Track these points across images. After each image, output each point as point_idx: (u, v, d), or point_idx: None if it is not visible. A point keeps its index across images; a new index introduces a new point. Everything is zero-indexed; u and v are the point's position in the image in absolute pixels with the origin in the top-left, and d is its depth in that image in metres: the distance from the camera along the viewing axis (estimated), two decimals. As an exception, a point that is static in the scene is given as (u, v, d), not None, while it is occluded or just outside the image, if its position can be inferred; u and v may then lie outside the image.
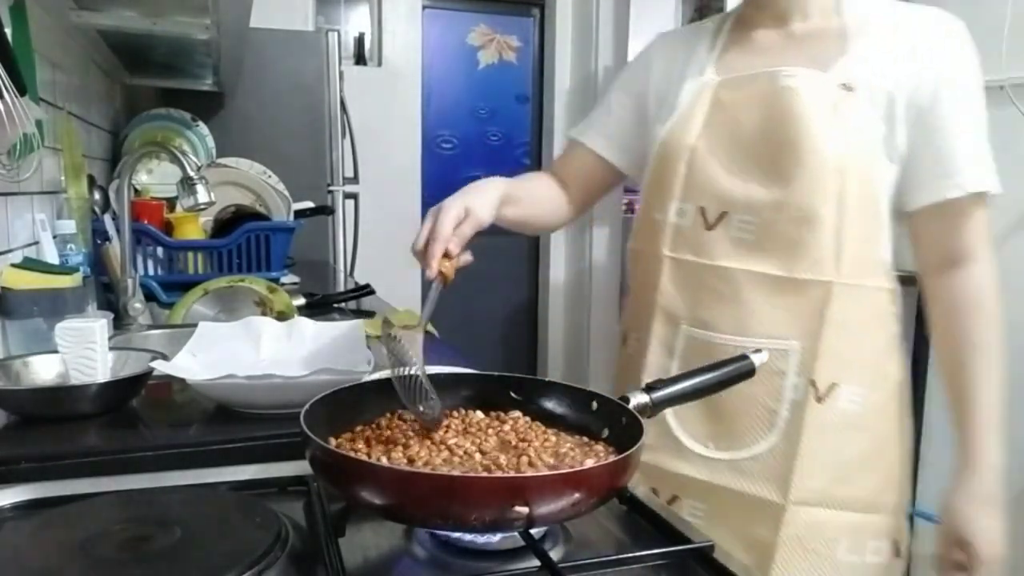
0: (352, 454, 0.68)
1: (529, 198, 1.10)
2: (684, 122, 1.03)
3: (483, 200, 0.92)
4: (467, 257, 0.89)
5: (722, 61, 1.05)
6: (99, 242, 1.71)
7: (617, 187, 1.19)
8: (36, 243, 1.42)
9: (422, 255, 0.88)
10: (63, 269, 1.31)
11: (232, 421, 0.95)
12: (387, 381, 0.85)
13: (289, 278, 2.13)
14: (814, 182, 0.94)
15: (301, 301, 1.69)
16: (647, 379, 1.00)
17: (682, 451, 1.01)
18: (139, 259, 1.83)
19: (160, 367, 0.98)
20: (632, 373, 1.08)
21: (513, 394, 0.83)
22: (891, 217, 1.00)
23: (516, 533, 0.66)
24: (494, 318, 4.07)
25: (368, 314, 1.73)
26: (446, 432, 0.74)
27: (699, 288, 1.01)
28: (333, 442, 0.71)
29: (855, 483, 0.99)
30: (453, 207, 0.88)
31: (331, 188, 2.86)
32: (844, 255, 0.96)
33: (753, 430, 0.98)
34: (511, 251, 4.03)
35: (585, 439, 0.76)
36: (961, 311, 0.98)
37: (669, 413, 1.02)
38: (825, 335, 0.96)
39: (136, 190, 2.21)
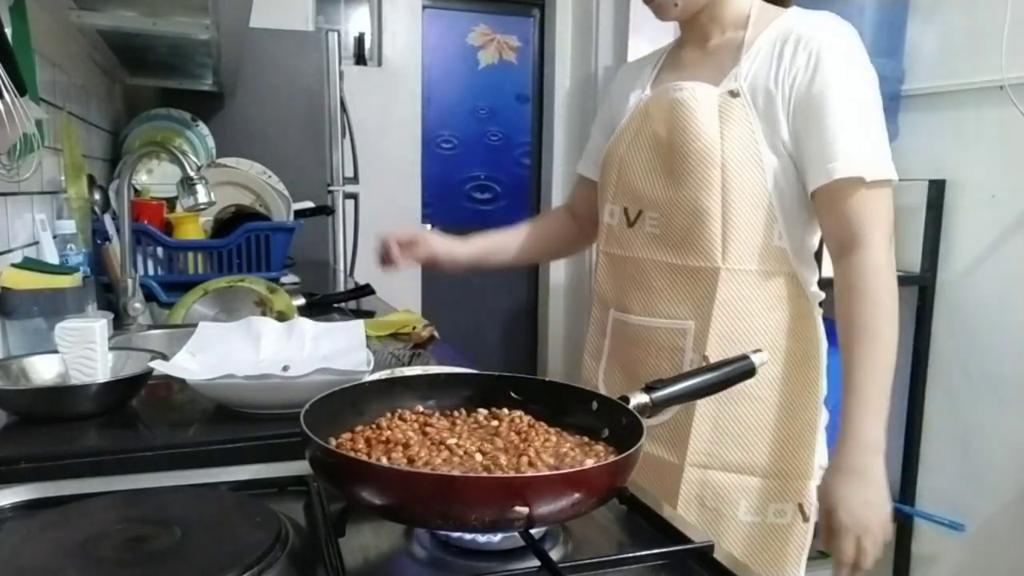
0: (352, 454, 0.68)
1: (505, 247, 1.34)
2: (620, 135, 1.18)
3: (439, 238, 1.21)
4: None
5: (657, 79, 1.19)
6: (99, 242, 1.71)
7: None
8: (36, 243, 1.42)
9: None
10: (63, 269, 1.32)
11: (232, 421, 0.95)
12: (387, 381, 0.85)
13: (289, 278, 2.13)
14: (700, 179, 1.06)
15: (301, 301, 1.69)
16: (587, 357, 1.25)
17: None
18: (139, 259, 1.83)
19: (159, 367, 0.98)
20: (583, 352, 1.27)
21: (513, 394, 0.83)
22: (788, 208, 1.07)
23: (516, 533, 0.66)
24: (494, 318, 4.07)
25: (368, 314, 1.73)
26: (446, 432, 0.74)
27: (621, 277, 1.17)
28: (333, 442, 0.71)
29: (750, 449, 1.08)
30: (415, 231, 1.17)
31: (331, 188, 2.86)
32: (730, 243, 1.06)
33: None
34: (511, 251, 4.02)
35: (585, 439, 0.76)
36: (848, 295, 1.02)
37: (599, 380, 1.20)
38: (715, 315, 1.07)
39: (136, 190, 2.21)
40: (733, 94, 1.06)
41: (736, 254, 1.06)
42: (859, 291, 1.02)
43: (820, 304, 1.13)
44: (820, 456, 1.11)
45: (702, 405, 1.07)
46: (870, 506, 0.97)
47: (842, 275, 1.04)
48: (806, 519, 1.09)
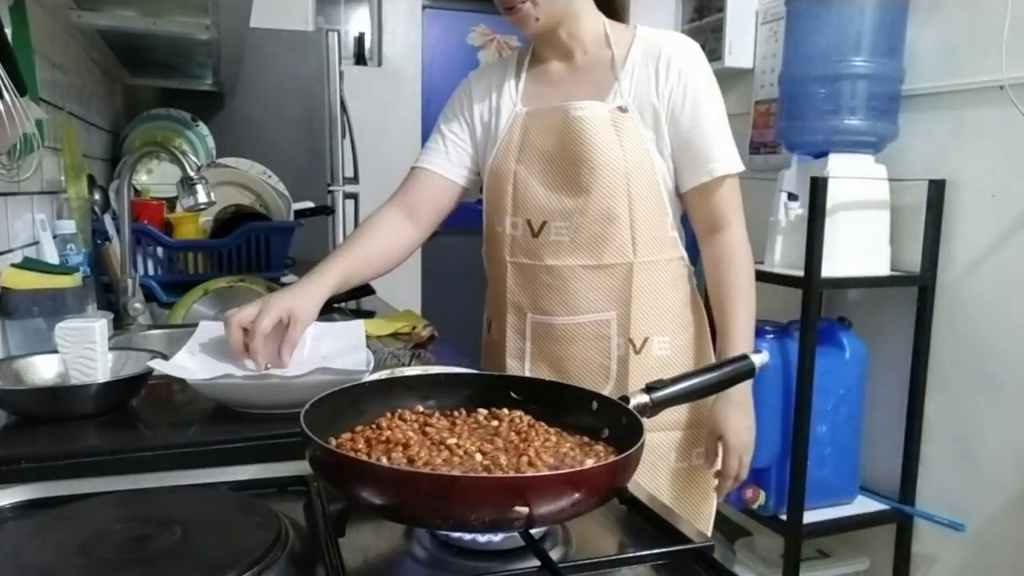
0: (352, 454, 0.68)
1: (369, 262, 1.30)
2: (504, 150, 1.27)
3: (305, 302, 1.09)
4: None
5: (526, 93, 1.29)
6: (99, 242, 1.71)
7: (459, 205, 1.39)
8: (36, 243, 1.42)
9: (243, 352, 1.01)
10: (63, 269, 1.32)
11: (232, 421, 0.95)
12: (387, 381, 0.85)
13: (289, 278, 2.13)
14: (608, 188, 1.19)
15: (301, 301, 1.69)
16: (509, 359, 1.31)
17: None
18: (139, 259, 1.83)
19: (158, 366, 0.98)
20: (497, 354, 1.34)
21: (513, 394, 0.83)
22: (672, 202, 1.25)
23: (516, 533, 0.66)
24: (494, 318, 4.07)
25: (368, 314, 1.73)
26: (446, 432, 0.74)
27: (535, 284, 1.26)
28: (333, 442, 0.71)
29: (676, 409, 1.19)
30: (273, 310, 1.03)
31: (331, 188, 2.86)
32: (638, 239, 1.22)
33: (593, 382, 1.24)
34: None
35: (585, 439, 0.76)
36: (720, 263, 1.25)
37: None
38: (633, 303, 1.23)
39: (136, 190, 2.21)
40: (623, 110, 1.20)
41: (644, 248, 1.22)
42: (731, 260, 1.24)
43: None
44: None
45: (632, 380, 1.22)
46: (750, 430, 1.24)
47: (713, 249, 1.25)
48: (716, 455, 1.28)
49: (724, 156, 1.20)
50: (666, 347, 1.25)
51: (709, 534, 1.19)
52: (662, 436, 1.25)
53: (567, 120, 1.20)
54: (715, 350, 1.28)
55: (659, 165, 1.21)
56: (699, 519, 1.31)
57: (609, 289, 1.23)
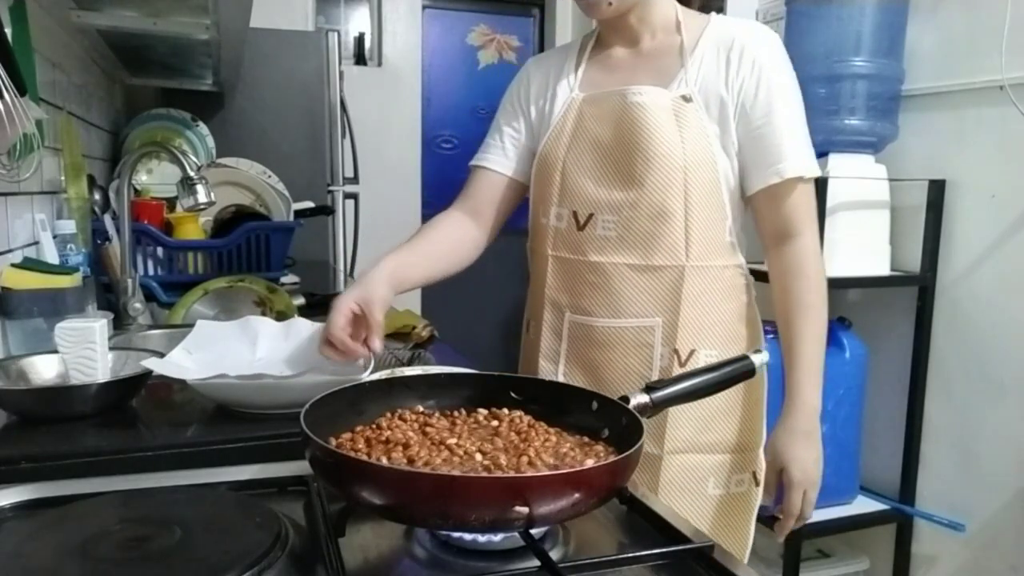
0: (352, 454, 0.68)
1: (428, 256, 1.20)
2: (556, 137, 1.18)
3: (369, 286, 1.03)
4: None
5: (585, 78, 1.20)
6: (99, 242, 1.71)
7: (523, 201, 1.31)
8: (36, 243, 1.42)
9: (340, 354, 0.99)
10: (63, 269, 1.31)
11: (232, 421, 0.95)
12: (387, 381, 0.85)
13: (289, 278, 2.13)
14: (663, 182, 1.10)
15: (301, 301, 1.69)
16: (543, 360, 1.24)
17: None
18: (139, 259, 1.83)
19: (152, 365, 0.98)
20: (532, 356, 1.26)
21: (513, 394, 0.83)
22: (734, 205, 1.15)
23: (516, 533, 0.66)
24: (494, 318, 4.07)
25: (368, 314, 1.73)
26: (446, 432, 0.74)
27: (576, 281, 1.17)
28: (333, 442, 0.71)
29: (717, 430, 1.15)
30: (341, 309, 0.99)
31: (331, 188, 2.86)
32: (692, 241, 1.12)
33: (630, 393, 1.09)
34: (511, 251, 4.02)
35: (585, 439, 0.76)
36: (788, 276, 1.13)
37: (558, 381, 1.19)
38: (682, 310, 1.13)
39: (136, 190, 2.21)
40: (686, 99, 1.11)
41: (698, 251, 1.12)
42: (801, 273, 1.12)
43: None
44: (764, 430, 1.22)
45: None
46: (817, 463, 1.11)
47: (782, 260, 1.14)
48: (758, 484, 1.20)
49: (797, 157, 1.10)
50: (713, 361, 1.12)
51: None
52: (700, 459, 1.15)
53: (624, 106, 1.11)
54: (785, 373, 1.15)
55: (722, 162, 1.12)
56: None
57: (657, 293, 1.13)
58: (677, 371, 1.12)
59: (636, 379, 1.14)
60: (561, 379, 1.21)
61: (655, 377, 1.14)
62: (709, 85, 1.11)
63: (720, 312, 1.16)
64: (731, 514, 1.20)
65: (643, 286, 1.13)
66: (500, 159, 1.26)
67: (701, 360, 1.14)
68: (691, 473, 1.15)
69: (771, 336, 2.07)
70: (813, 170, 1.12)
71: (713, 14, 1.17)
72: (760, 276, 1.66)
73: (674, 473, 1.14)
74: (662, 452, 1.13)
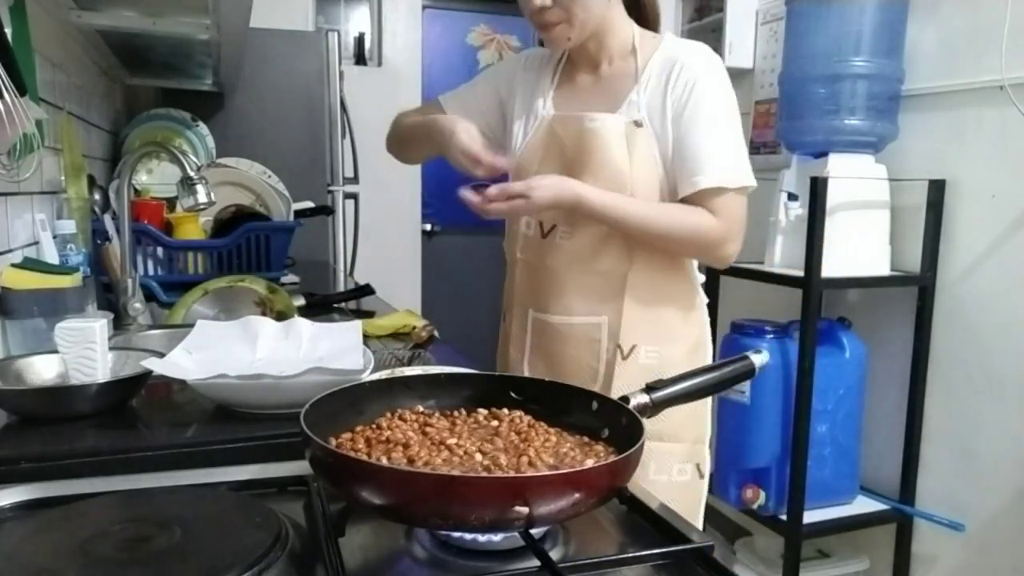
0: (352, 454, 0.68)
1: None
2: (531, 151, 1.30)
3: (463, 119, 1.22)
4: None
5: (556, 97, 1.32)
6: (99, 242, 1.71)
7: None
8: (36, 243, 1.42)
9: (478, 163, 1.16)
10: (63, 269, 1.31)
11: (232, 421, 0.95)
12: (387, 381, 0.85)
13: (289, 278, 2.13)
14: None
15: (301, 301, 1.69)
16: (513, 350, 1.36)
17: None
18: (139, 259, 1.83)
19: (152, 365, 0.98)
20: (506, 345, 1.40)
21: (513, 394, 0.83)
22: None
23: (516, 533, 0.66)
24: (494, 318, 4.07)
25: (368, 314, 1.73)
26: (446, 432, 0.74)
27: (537, 282, 1.31)
28: (333, 442, 0.71)
29: (661, 420, 1.17)
30: (460, 124, 1.19)
31: (331, 188, 2.86)
32: (636, 251, 1.24)
33: (582, 382, 1.22)
34: (511, 251, 4.02)
35: (585, 439, 0.76)
36: (690, 210, 1.20)
37: (524, 370, 1.34)
38: (625, 310, 1.25)
39: (136, 190, 2.21)
40: (638, 124, 1.21)
41: (641, 258, 1.24)
42: (700, 220, 1.19)
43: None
44: (709, 427, 1.34)
45: (616, 385, 1.24)
46: (553, 197, 1.16)
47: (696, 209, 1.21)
48: (702, 476, 1.31)
49: (714, 169, 1.18)
50: (653, 356, 1.26)
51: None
52: (646, 444, 1.23)
53: (582, 130, 1.23)
54: None
55: (662, 178, 1.22)
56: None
57: (603, 295, 1.26)
58: (619, 364, 1.26)
59: (586, 369, 1.28)
60: (526, 367, 1.34)
61: (602, 368, 1.27)
62: (655, 104, 1.21)
63: (662, 313, 1.27)
64: (675, 501, 1.24)
65: (592, 289, 1.26)
66: (458, 108, 1.36)
67: (642, 355, 1.26)
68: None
69: (771, 336, 2.08)
70: (729, 181, 1.19)
71: (667, 34, 1.28)
72: (759, 276, 1.67)
73: None
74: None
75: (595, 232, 1.24)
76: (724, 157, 1.19)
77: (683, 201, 1.21)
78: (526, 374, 1.33)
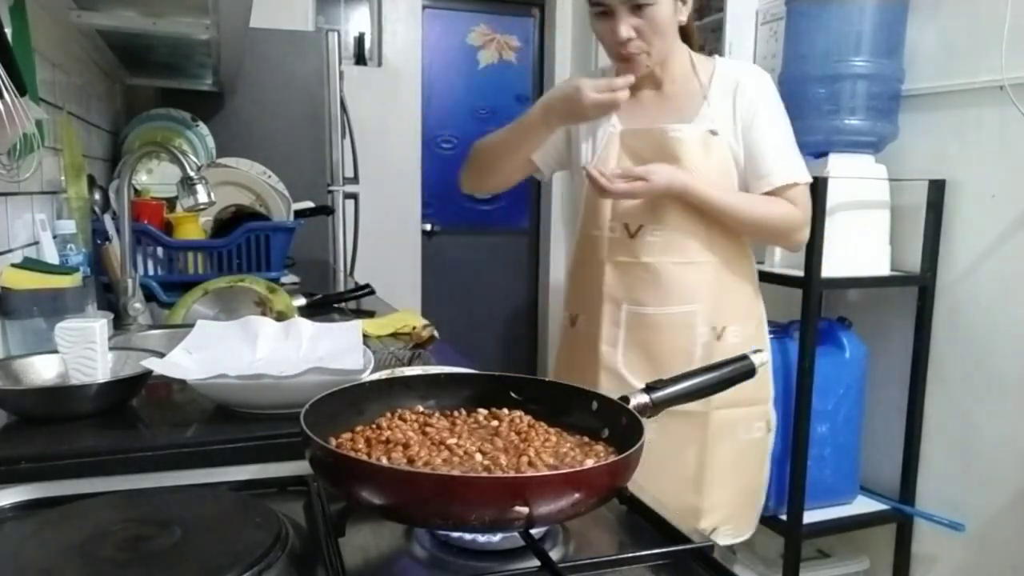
0: (352, 454, 0.68)
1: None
2: (602, 163, 1.44)
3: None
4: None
5: (625, 113, 1.44)
6: (99, 242, 1.71)
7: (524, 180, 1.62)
8: (36, 243, 1.42)
9: (612, 90, 1.32)
10: (63, 269, 1.32)
11: (232, 421, 0.95)
12: (387, 381, 0.85)
13: (289, 278, 2.13)
14: None
15: (301, 301, 1.69)
16: (604, 345, 1.49)
17: (626, 387, 1.37)
18: (139, 259, 1.83)
19: (152, 365, 0.98)
20: (583, 345, 1.52)
21: (513, 394, 0.83)
22: None
23: (516, 533, 0.66)
24: (494, 318, 4.07)
25: (368, 314, 1.73)
26: (446, 432, 0.74)
27: (631, 279, 1.45)
28: (333, 442, 0.71)
29: (742, 388, 1.32)
30: (582, 83, 1.34)
31: (331, 188, 2.86)
32: (716, 242, 1.43)
33: (679, 366, 1.29)
34: (511, 251, 4.03)
35: (585, 439, 0.76)
36: (778, 202, 1.41)
37: (621, 366, 1.47)
38: (716, 296, 1.43)
39: (136, 190, 2.21)
40: (713, 133, 1.40)
41: (719, 247, 1.43)
42: (786, 209, 1.41)
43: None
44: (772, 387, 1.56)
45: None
46: (671, 183, 1.35)
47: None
48: (770, 431, 1.54)
49: (782, 170, 1.40)
50: (738, 334, 1.44)
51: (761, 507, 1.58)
52: (732, 412, 1.44)
53: (665, 140, 1.40)
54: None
55: (737, 178, 1.43)
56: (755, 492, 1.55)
57: (695, 285, 1.42)
58: (715, 345, 1.41)
59: (683, 354, 1.42)
60: (620, 361, 1.47)
61: (699, 352, 1.42)
62: (724, 116, 1.41)
63: (740, 295, 1.47)
64: (754, 454, 1.52)
65: (686, 280, 1.42)
66: (539, 155, 1.54)
67: (730, 334, 1.43)
68: (727, 424, 1.45)
69: (772, 336, 2.08)
70: (796, 177, 1.41)
71: (716, 58, 1.47)
72: (760, 276, 1.69)
73: (717, 425, 1.44)
74: (709, 409, 1.42)
75: (682, 228, 1.41)
76: (791, 157, 1.42)
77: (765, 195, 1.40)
78: (620, 366, 1.47)
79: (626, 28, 1.36)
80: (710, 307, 1.42)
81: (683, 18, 1.41)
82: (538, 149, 1.52)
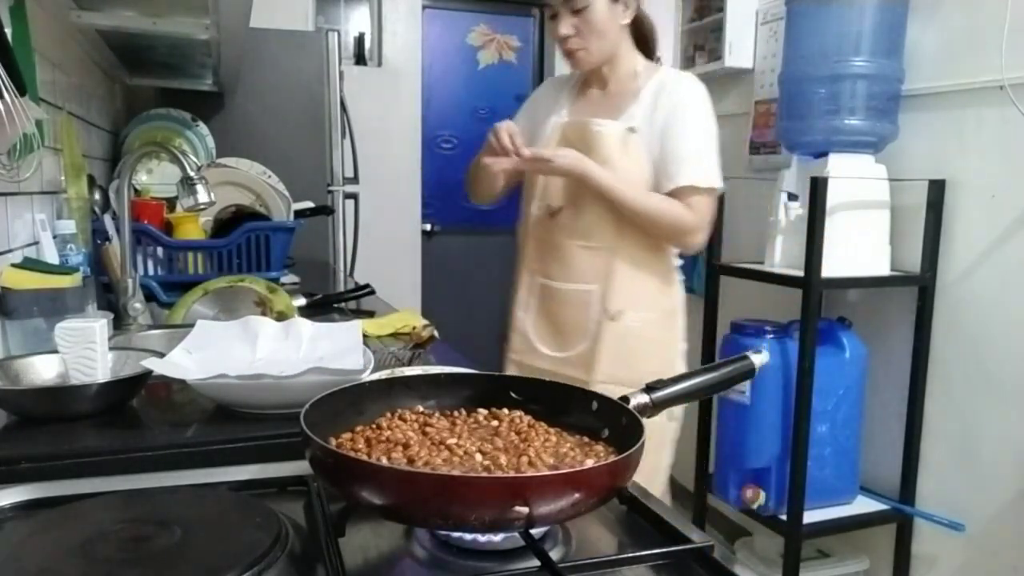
0: (352, 454, 0.68)
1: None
2: (545, 147, 1.57)
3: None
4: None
5: (571, 107, 1.65)
6: (99, 242, 1.71)
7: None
8: (36, 243, 1.42)
9: (503, 150, 1.46)
10: (63, 269, 1.31)
11: (232, 421, 0.95)
12: (387, 381, 0.85)
13: (289, 278, 2.13)
14: None
15: (301, 301, 1.69)
16: (519, 311, 1.69)
17: (537, 352, 1.67)
18: (139, 259, 1.83)
19: (152, 365, 0.98)
20: (513, 308, 1.70)
21: (513, 394, 0.83)
22: None
23: (516, 533, 0.66)
24: (494, 318, 4.06)
25: (368, 314, 1.73)
26: (446, 432, 0.74)
27: (545, 254, 1.63)
28: (333, 442, 0.71)
29: (637, 368, 1.51)
30: (504, 126, 1.48)
31: (331, 188, 2.86)
32: (624, 232, 1.54)
33: (576, 338, 1.60)
34: (511, 251, 4.02)
35: (585, 439, 0.76)
36: (670, 202, 1.51)
37: (529, 330, 1.67)
38: (613, 281, 1.56)
39: (136, 190, 2.21)
40: (631, 130, 1.53)
41: (627, 239, 1.54)
42: (679, 211, 1.50)
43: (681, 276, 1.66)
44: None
45: (603, 341, 1.55)
46: (572, 165, 1.49)
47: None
48: (672, 419, 1.60)
49: (686, 172, 1.49)
50: (638, 320, 1.56)
51: (664, 486, 1.64)
52: (619, 390, 1.49)
53: (587, 132, 1.55)
54: None
55: (650, 173, 1.53)
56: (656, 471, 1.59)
57: (596, 267, 1.56)
58: (606, 324, 1.55)
59: (580, 328, 1.58)
60: (529, 326, 1.67)
61: (592, 328, 1.56)
62: (646, 116, 1.53)
63: (642, 285, 1.57)
64: (649, 439, 1.46)
65: (587, 261, 1.56)
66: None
67: (627, 318, 1.56)
68: None
69: (771, 336, 2.08)
70: (702, 181, 1.50)
71: (663, 67, 1.61)
72: (759, 276, 1.69)
73: None
74: (591, 380, 1.54)
75: (593, 215, 1.54)
76: (702, 163, 1.51)
77: (669, 194, 1.50)
78: (529, 332, 1.67)
79: (565, 27, 1.52)
80: (603, 289, 1.55)
81: (624, 21, 1.55)
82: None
